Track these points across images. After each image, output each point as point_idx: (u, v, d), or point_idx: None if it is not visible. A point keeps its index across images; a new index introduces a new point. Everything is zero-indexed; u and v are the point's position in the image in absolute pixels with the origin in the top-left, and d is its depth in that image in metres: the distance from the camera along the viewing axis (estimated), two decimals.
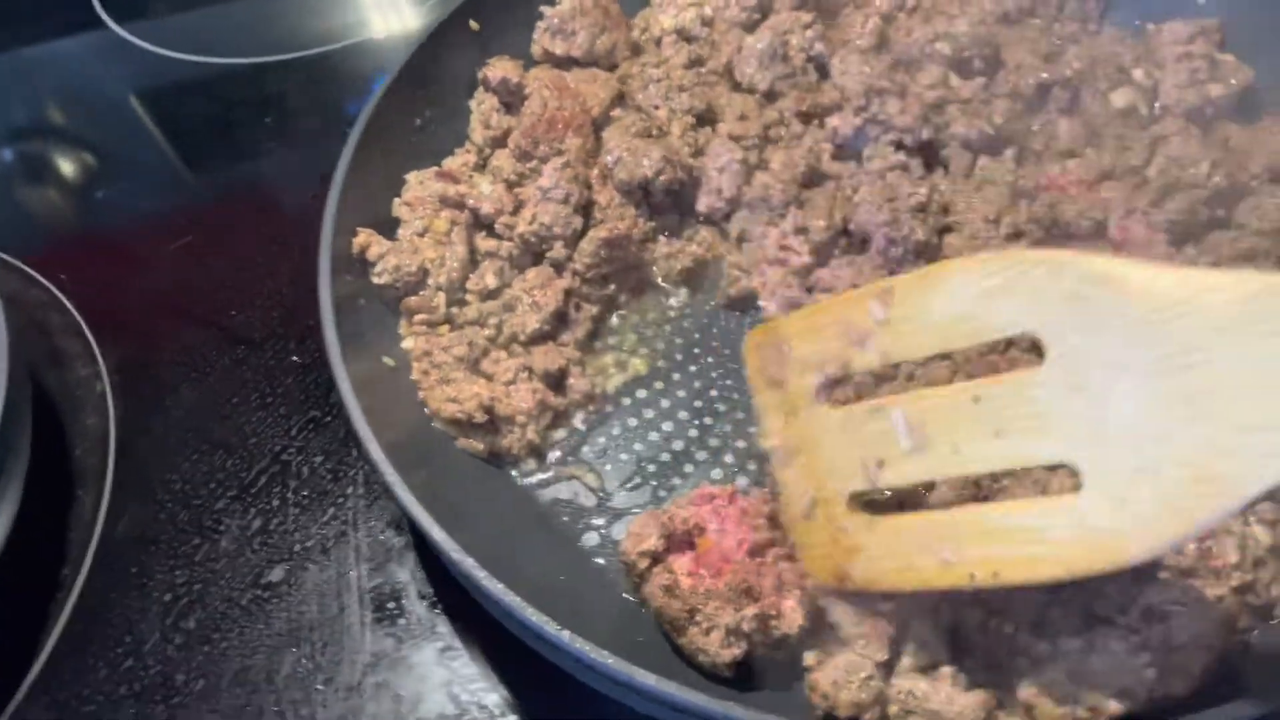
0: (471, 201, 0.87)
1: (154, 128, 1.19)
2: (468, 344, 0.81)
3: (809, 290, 0.82)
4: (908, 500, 0.65)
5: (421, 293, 0.83)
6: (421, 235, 0.84)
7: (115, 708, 0.73)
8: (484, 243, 0.87)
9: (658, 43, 1.01)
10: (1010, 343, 0.65)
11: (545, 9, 0.97)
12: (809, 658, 0.63)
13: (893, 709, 0.60)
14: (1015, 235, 0.81)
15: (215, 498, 0.83)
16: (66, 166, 1.17)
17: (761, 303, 0.84)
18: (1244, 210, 0.79)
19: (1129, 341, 0.46)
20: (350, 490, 0.82)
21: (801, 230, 0.84)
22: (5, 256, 1.01)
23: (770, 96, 0.95)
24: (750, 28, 0.99)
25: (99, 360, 0.92)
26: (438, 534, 0.63)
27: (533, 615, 0.59)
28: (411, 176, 0.88)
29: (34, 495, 0.80)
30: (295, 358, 0.91)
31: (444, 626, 0.75)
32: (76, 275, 0.99)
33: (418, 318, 0.83)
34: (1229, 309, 0.43)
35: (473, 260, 0.87)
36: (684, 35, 1.00)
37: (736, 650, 0.63)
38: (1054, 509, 0.51)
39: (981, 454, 0.53)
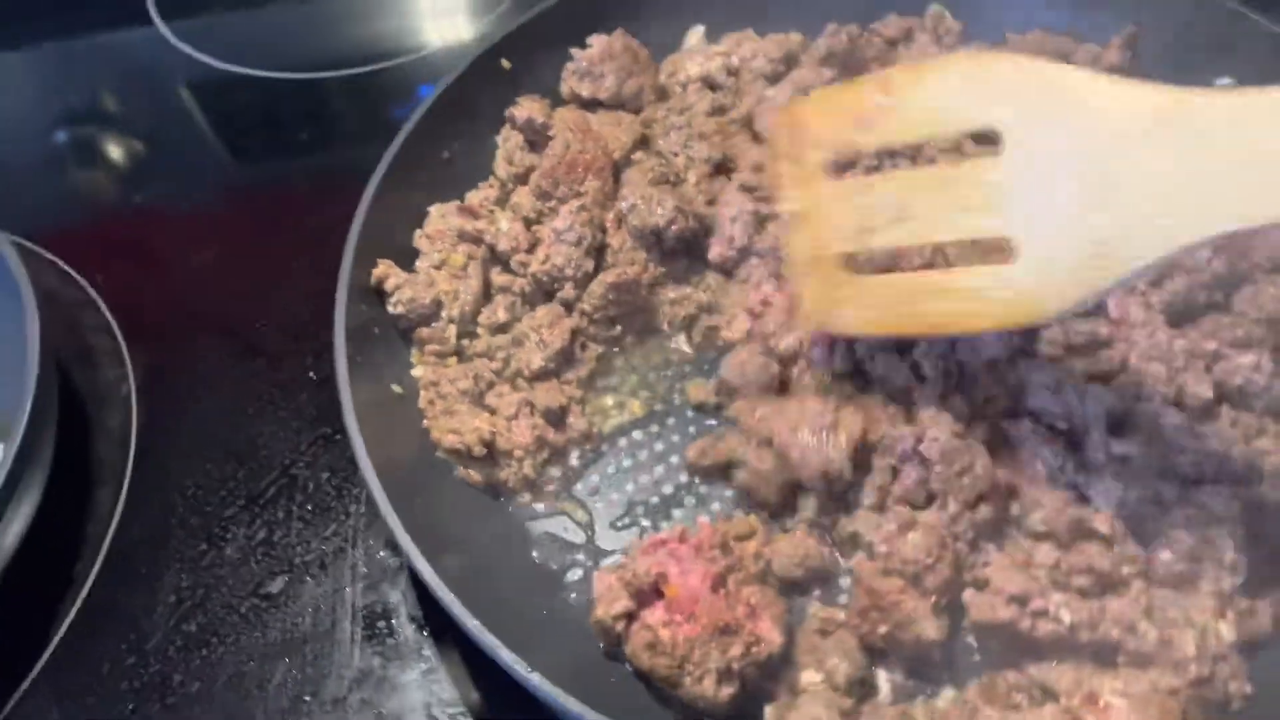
0: (489, 238, 0.90)
1: (201, 126, 1.23)
2: (473, 377, 0.84)
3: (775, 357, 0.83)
4: (887, 265, 0.76)
5: (434, 324, 0.86)
6: (438, 268, 0.88)
7: (114, 703, 0.77)
8: (499, 278, 0.90)
9: (683, 89, 1.03)
10: (981, 136, 0.71)
11: (575, 51, 1.00)
12: (769, 713, 0.66)
13: None
14: None
15: (225, 505, 0.87)
16: (110, 157, 1.22)
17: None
18: (1242, 298, 0.81)
19: (1069, 138, 0.57)
20: (352, 508, 0.86)
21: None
22: (47, 254, 1.05)
23: None
24: (774, 80, 1.02)
25: (127, 362, 0.97)
26: (422, 565, 0.65)
27: (506, 655, 0.62)
28: (434, 210, 0.91)
29: (55, 490, 0.84)
30: (312, 374, 0.94)
31: (429, 649, 0.78)
32: (111, 277, 1.04)
33: (429, 348, 0.86)
34: (1142, 121, 0.53)
35: (487, 294, 0.90)
36: (709, 83, 1.03)
37: (731, 689, 0.66)
38: (993, 273, 0.64)
39: (947, 225, 0.66)
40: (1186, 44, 0.95)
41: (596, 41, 1.01)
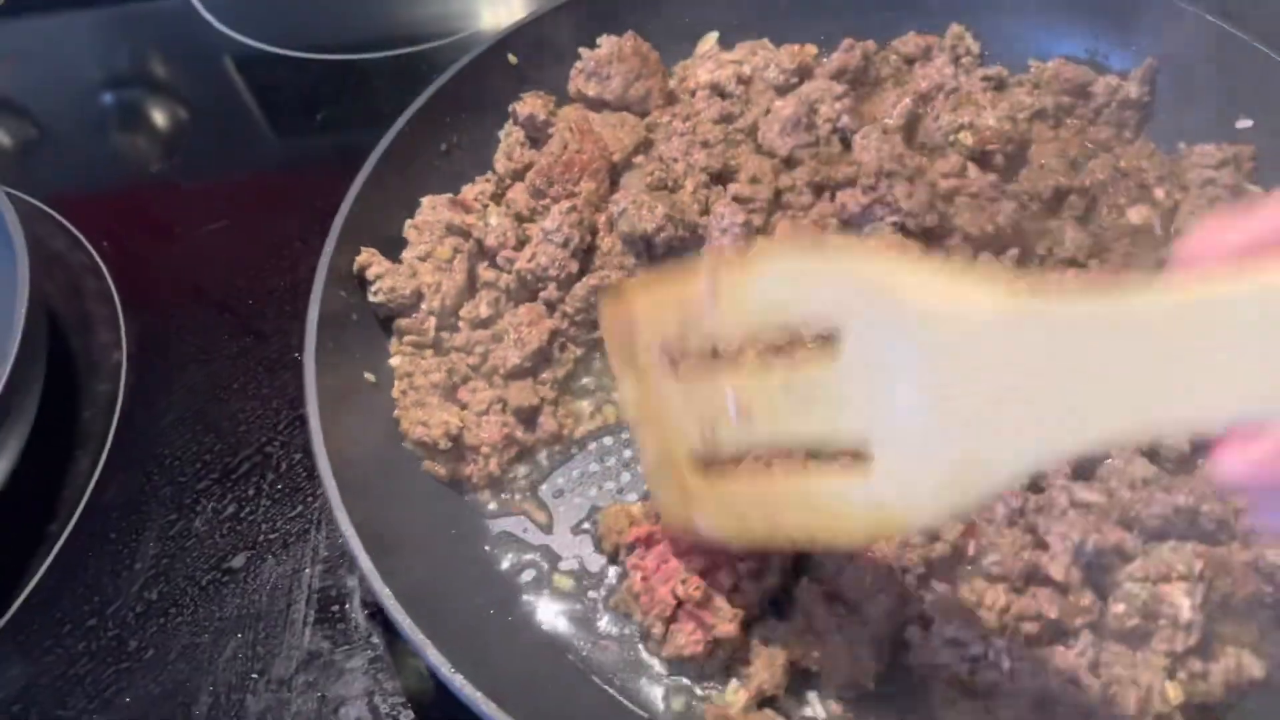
0: (477, 232, 0.90)
1: (214, 104, 1.25)
2: (447, 371, 0.84)
3: None
4: (744, 460, 0.69)
5: (414, 315, 0.87)
6: (423, 260, 0.88)
7: (71, 662, 0.79)
8: (485, 273, 0.91)
9: (691, 95, 1.02)
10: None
11: (584, 50, 1.00)
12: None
13: None
14: None
15: (199, 478, 0.88)
16: (141, 125, 1.24)
17: None
18: None
19: (906, 341, 0.50)
20: (320, 490, 0.86)
21: None
22: (57, 216, 1.08)
23: (789, 163, 0.96)
24: (785, 91, 1.00)
25: (122, 330, 0.98)
26: (361, 556, 0.66)
27: (432, 654, 0.62)
28: (425, 200, 0.92)
29: (37, 448, 0.87)
30: (296, 354, 0.94)
31: (378, 638, 0.78)
32: (117, 244, 1.06)
33: (406, 338, 0.86)
34: (983, 329, 0.47)
35: (472, 288, 0.90)
36: (718, 91, 1.02)
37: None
38: (852, 484, 0.56)
39: (794, 429, 0.59)
40: (1207, 80, 0.93)
41: (606, 42, 1.01)
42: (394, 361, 0.86)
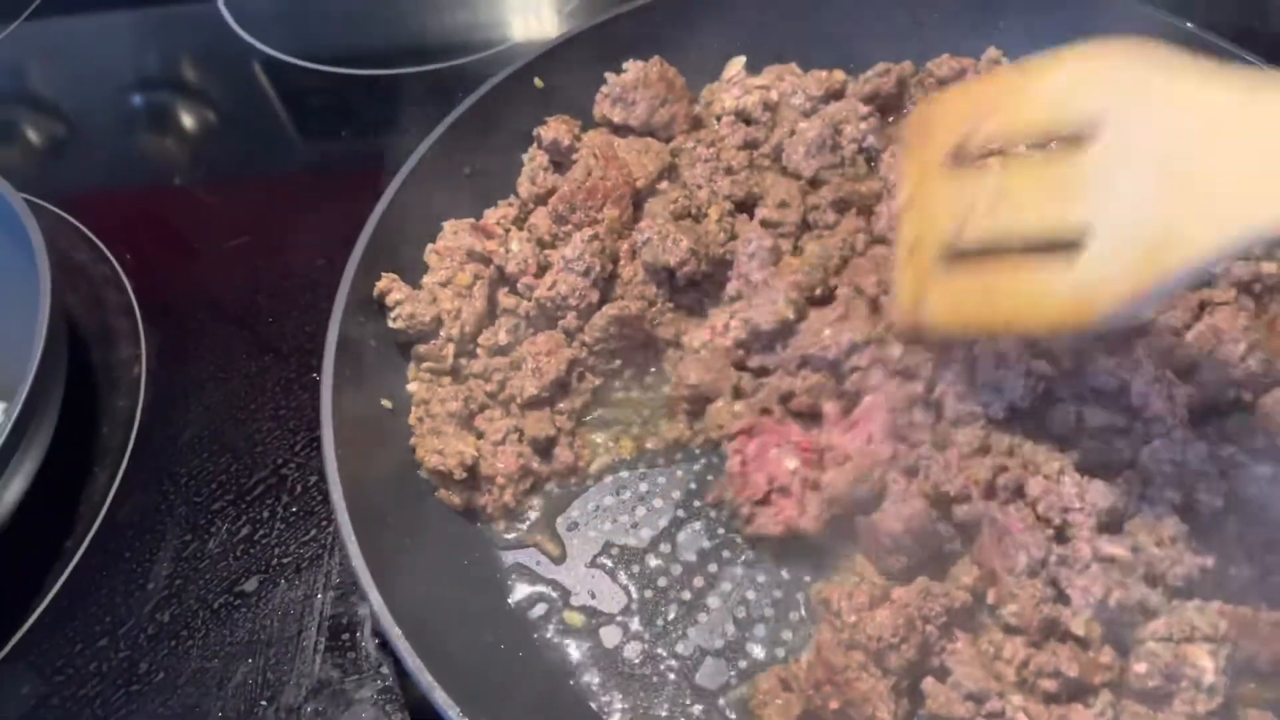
0: (498, 259, 0.90)
1: (243, 119, 1.25)
2: (464, 400, 0.83)
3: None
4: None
5: (432, 341, 0.86)
6: (444, 286, 0.87)
7: (81, 683, 0.79)
8: (505, 299, 0.90)
9: (717, 120, 1.01)
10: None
11: (609, 75, 0.99)
12: None
13: None
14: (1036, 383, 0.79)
15: (214, 498, 0.88)
16: (150, 142, 1.24)
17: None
18: (1270, 400, 0.76)
19: (1162, 125, 0.58)
20: (335, 516, 0.86)
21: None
22: (80, 226, 1.08)
23: (815, 183, 0.95)
24: (810, 115, 0.99)
25: (142, 343, 0.99)
26: (374, 597, 0.65)
27: (440, 696, 0.61)
28: (447, 225, 0.91)
29: (56, 463, 0.87)
30: (315, 375, 0.94)
31: (388, 669, 0.78)
32: (140, 256, 1.06)
33: (425, 365, 0.86)
34: (1229, 109, 0.55)
35: (491, 314, 0.89)
36: (743, 117, 1.01)
37: None
38: (1062, 270, 0.63)
39: (1034, 213, 0.66)
40: None
41: (632, 67, 1.00)
42: (411, 388, 0.85)
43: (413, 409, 0.84)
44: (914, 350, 0.79)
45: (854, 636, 0.68)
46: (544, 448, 0.84)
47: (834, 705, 0.67)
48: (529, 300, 0.89)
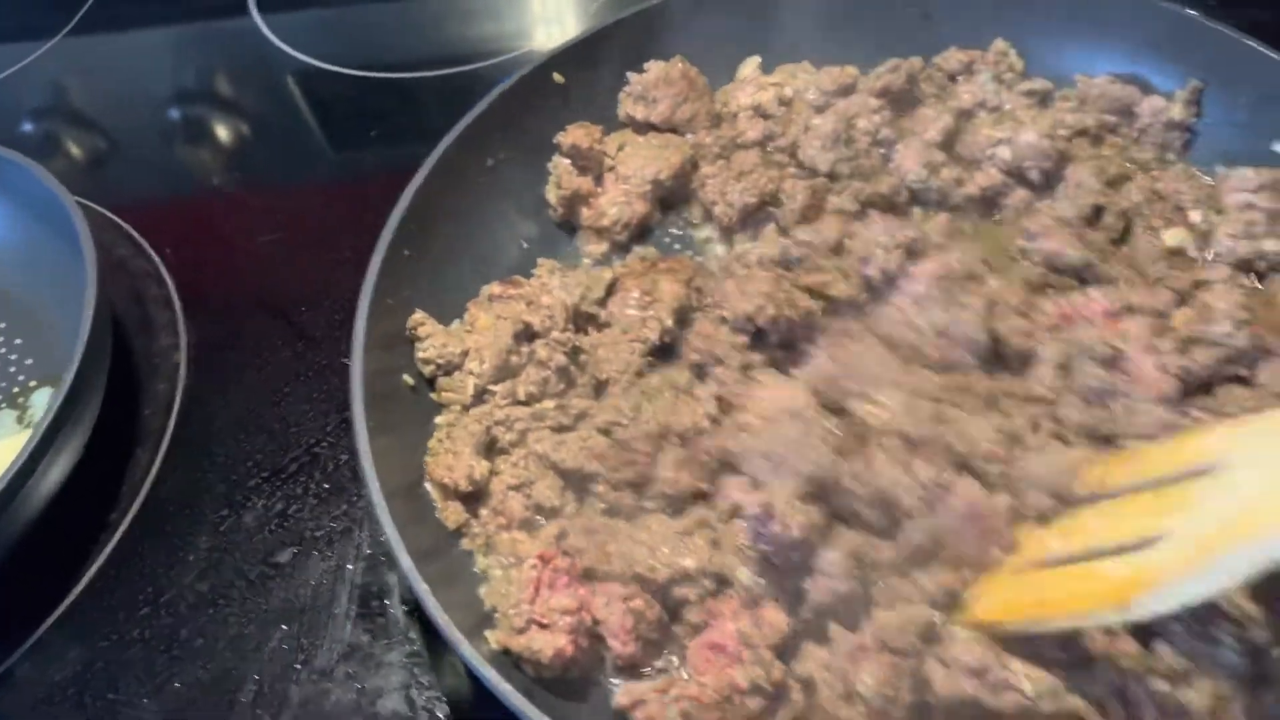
0: (524, 315, 0.88)
1: (296, 117, 1.30)
2: (485, 427, 0.82)
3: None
4: None
5: (455, 374, 0.86)
6: (469, 330, 0.88)
7: (125, 648, 0.82)
8: (540, 349, 0.86)
9: (735, 117, 1.05)
10: None
11: (632, 75, 1.03)
12: None
13: None
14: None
15: (250, 476, 0.92)
16: (189, 145, 1.30)
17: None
18: (1267, 372, 0.78)
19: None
20: (364, 491, 0.89)
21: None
22: (123, 224, 1.13)
23: (832, 177, 0.98)
24: (822, 110, 1.02)
25: (181, 334, 1.03)
26: (404, 560, 0.68)
27: (466, 650, 0.64)
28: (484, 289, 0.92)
29: (100, 443, 0.91)
30: (345, 360, 0.97)
31: (416, 634, 0.81)
32: (179, 251, 1.11)
33: (445, 395, 0.86)
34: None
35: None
36: (760, 113, 1.04)
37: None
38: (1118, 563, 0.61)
39: (1122, 531, 0.63)
40: (1248, 103, 0.93)
41: (653, 66, 1.04)
42: (438, 420, 0.85)
43: (434, 436, 0.83)
44: None
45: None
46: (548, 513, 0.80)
47: None
48: (561, 353, 0.86)
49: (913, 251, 0.84)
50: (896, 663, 0.65)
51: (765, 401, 0.75)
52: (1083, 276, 0.86)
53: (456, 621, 0.66)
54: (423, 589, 0.67)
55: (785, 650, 0.68)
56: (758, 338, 0.84)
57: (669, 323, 0.86)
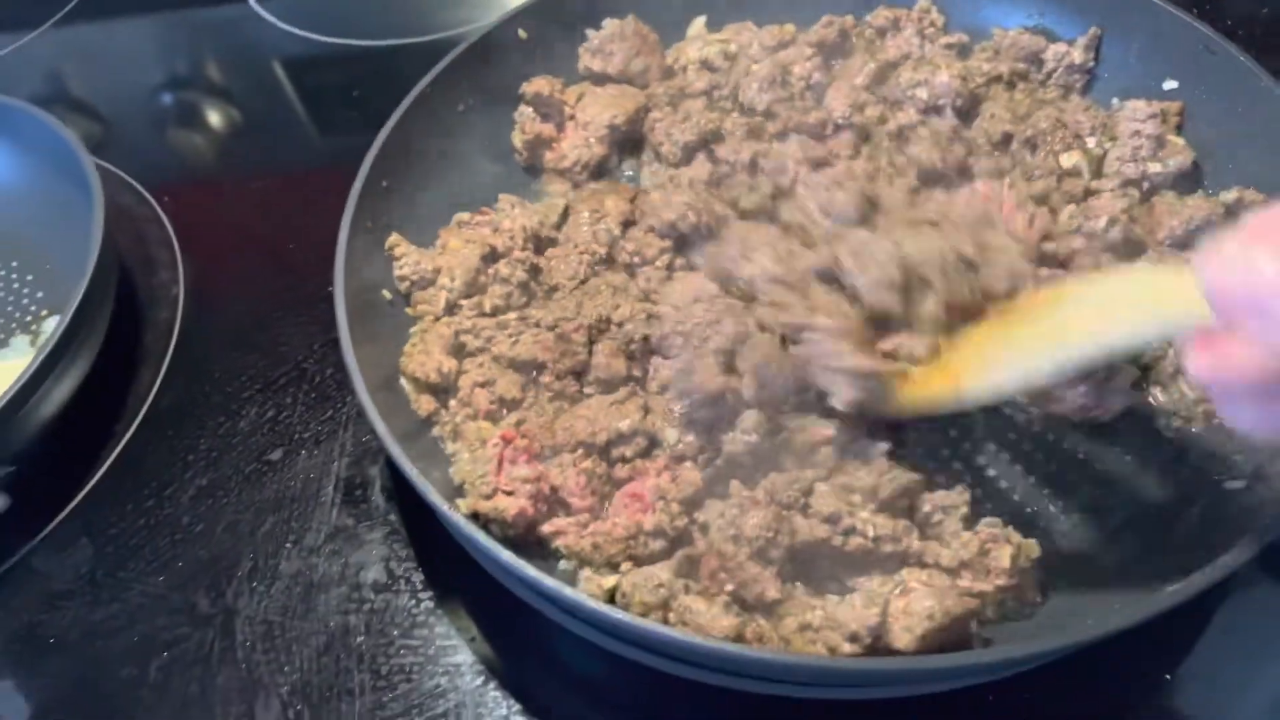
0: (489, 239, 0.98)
1: (289, 93, 1.39)
2: (454, 332, 0.91)
3: None
4: None
5: (429, 289, 0.95)
6: (441, 250, 0.97)
7: (132, 535, 0.91)
8: (502, 268, 0.95)
9: (684, 70, 1.15)
10: None
11: (589, 31, 1.13)
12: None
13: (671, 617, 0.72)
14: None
15: (244, 388, 1.01)
16: (202, 118, 1.38)
17: None
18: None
19: None
20: (349, 399, 0.99)
21: None
22: (125, 176, 1.23)
23: (768, 115, 1.08)
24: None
25: (180, 269, 1.13)
26: (386, 437, 0.78)
27: (448, 510, 0.73)
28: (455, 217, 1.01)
29: (106, 364, 1.00)
30: (330, 289, 1.07)
31: (394, 516, 0.90)
32: (178, 200, 1.20)
33: (420, 307, 0.94)
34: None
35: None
36: (707, 66, 1.14)
37: None
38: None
39: None
40: (1140, 46, 1.04)
41: (609, 23, 1.14)
42: (411, 330, 0.93)
43: (409, 341, 0.92)
44: None
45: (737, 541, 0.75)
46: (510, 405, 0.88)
47: (729, 588, 0.73)
48: (521, 270, 0.96)
49: (819, 165, 0.95)
50: (779, 513, 0.75)
51: (677, 293, 0.87)
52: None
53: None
54: (406, 464, 0.76)
55: (692, 503, 0.79)
56: (681, 243, 0.95)
57: (616, 232, 0.97)
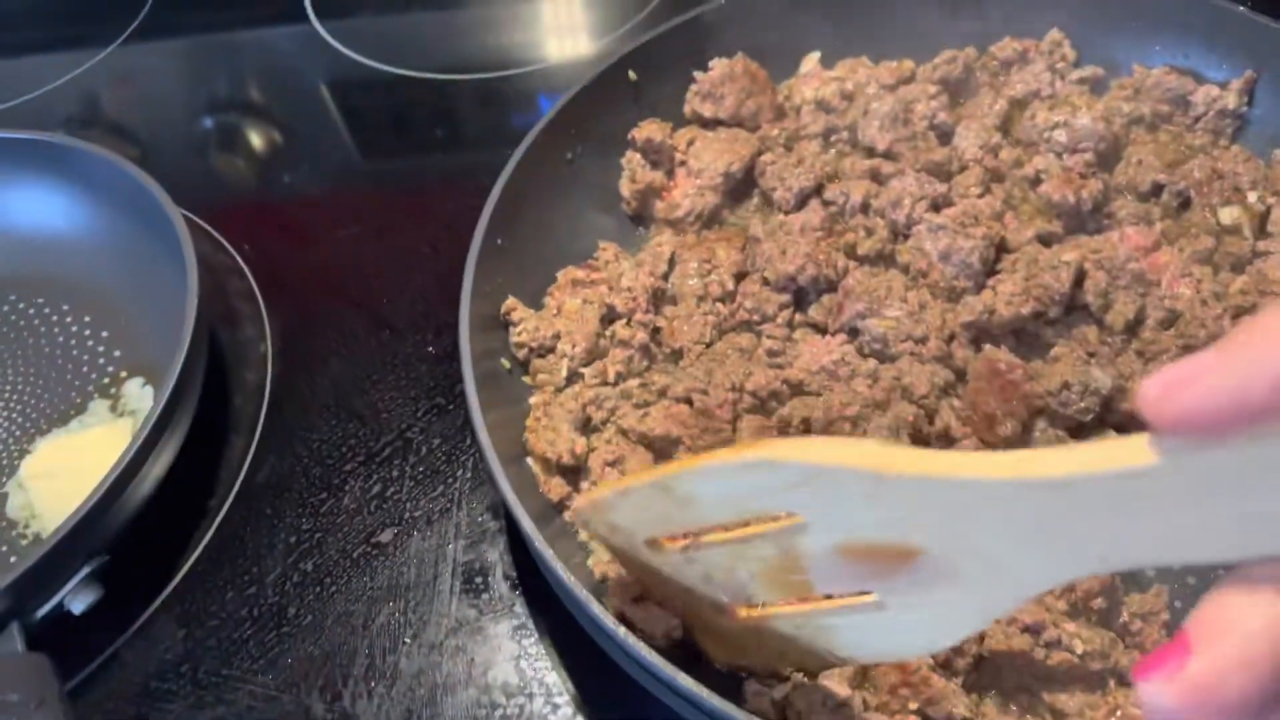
0: (605, 296, 0.92)
1: (339, 120, 1.33)
2: (582, 406, 0.85)
3: None
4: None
5: (549, 357, 0.89)
6: (556, 314, 0.91)
7: (234, 626, 0.85)
8: (621, 330, 0.90)
9: (798, 111, 1.08)
10: None
11: (697, 74, 1.07)
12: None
13: None
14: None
15: (345, 460, 0.94)
16: (256, 141, 1.33)
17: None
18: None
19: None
20: (459, 473, 0.92)
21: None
22: (201, 222, 1.15)
23: (889, 156, 1.01)
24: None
25: (265, 324, 1.06)
26: (527, 524, 0.71)
27: (596, 610, 0.67)
28: (560, 274, 0.96)
29: (197, 433, 0.93)
30: (430, 348, 1.01)
31: (521, 607, 0.83)
32: (257, 247, 1.13)
33: (540, 377, 0.89)
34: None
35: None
36: (823, 107, 1.08)
37: None
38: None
39: None
40: None
41: (718, 64, 1.07)
42: (533, 400, 0.88)
43: (531, 414, 0.86)
44: None
45: None
46: None
47: (913, 706, 0.67)
48: (643, 332, 0.90)
49: (938, 206, 0.90)
50: None
51: (806, 355, 0.84)
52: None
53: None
54: (553, 560, 0.70)
55: None
56: (800, 297, 0.91)
57: (730, 285, 0.92)
